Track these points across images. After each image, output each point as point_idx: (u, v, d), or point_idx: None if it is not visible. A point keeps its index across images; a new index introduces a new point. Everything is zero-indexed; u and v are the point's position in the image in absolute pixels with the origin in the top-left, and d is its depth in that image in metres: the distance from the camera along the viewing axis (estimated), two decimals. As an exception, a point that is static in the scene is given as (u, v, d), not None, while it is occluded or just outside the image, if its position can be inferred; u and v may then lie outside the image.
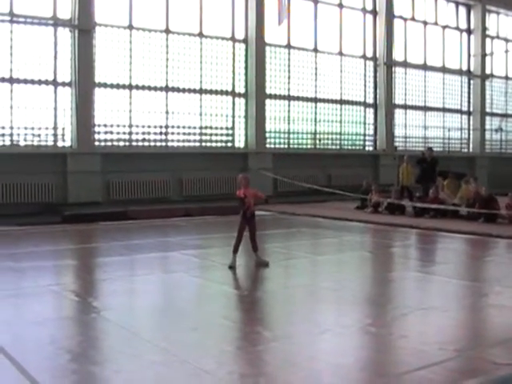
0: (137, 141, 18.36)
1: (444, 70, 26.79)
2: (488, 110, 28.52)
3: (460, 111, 27.76)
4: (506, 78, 29.57)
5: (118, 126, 17.96)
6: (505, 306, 7.08)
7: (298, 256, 10.69)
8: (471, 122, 28.18)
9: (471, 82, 28.02)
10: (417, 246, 12.84)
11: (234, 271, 8.96)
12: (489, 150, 28.70)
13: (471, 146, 28.37)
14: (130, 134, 18.22)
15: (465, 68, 27.80)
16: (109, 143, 17.86)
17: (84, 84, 16.92)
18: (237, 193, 9.30)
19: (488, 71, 28.25)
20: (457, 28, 27.25)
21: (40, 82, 16.57)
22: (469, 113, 28.10)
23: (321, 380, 4.81)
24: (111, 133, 17.87)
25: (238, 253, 9.14)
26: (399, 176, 18.85)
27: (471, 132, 28.25)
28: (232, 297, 7.73)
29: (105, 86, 17.67)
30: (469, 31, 27.66)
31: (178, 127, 19.18)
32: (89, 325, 6.35)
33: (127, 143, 18.19)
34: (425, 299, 7.60)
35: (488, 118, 28.63)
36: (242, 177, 9.34)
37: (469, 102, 28.03)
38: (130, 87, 18.15)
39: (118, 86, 17.91)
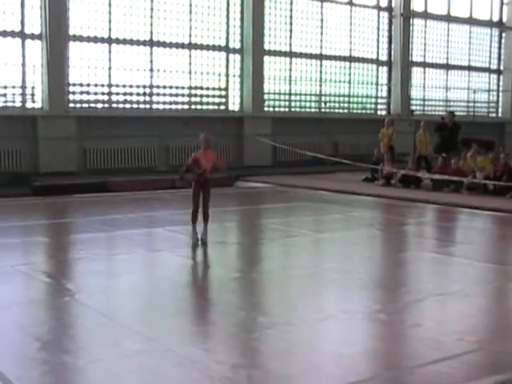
0: (117, 102, 18.25)
1: (471, 21, 26.38)
2: (522, 68, 28.32)
3: (488, 70, 27.53)
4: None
5: (96, 85, 17.83)
6: (532, 290, 7.14)
7: (298, 234, 10.71)
8: (501, 83, 27.92)
9: (503, 35, 27.58)
10: (434, 224, 12.87)
11: (213, 248, 9.01)
12: (521, 115, 28.59)
13: (500, 110, 28.23)
14: (110, 94, 18.10)
15: (496, 19, 27.37)
16: (85, 105, 17.77)
17: (56, 37, 16.73)
18: (192, 154, 9.30)
19: (523, 22, 27.95)
20: (486, -28, 26.96)
21: (5, 34, 16.34)
22: (499, 71, 27.84)
23: (322, 372, 4.83)
24: (88, 93, 17.74)
25: (196, 223, 9.20)
26: (416, 144, 18.80)
27: (501, 94, 28.05)
28: (223, 278, 7.74)
29: (80, 39, 17.47)
30: (500, -26, 27.34)
31: (165, 87, 19.05)
32: (61, 309, 6.37)
33: (106, 105, 18.10)
34: (442, 283, 7.62)
35: (521, 78, 28.44)
36: (203, 136, 9.25)
37: (499, 58, 27.69)
38: (110, 41, 17.95)
39: (95, 40, 17.70)
